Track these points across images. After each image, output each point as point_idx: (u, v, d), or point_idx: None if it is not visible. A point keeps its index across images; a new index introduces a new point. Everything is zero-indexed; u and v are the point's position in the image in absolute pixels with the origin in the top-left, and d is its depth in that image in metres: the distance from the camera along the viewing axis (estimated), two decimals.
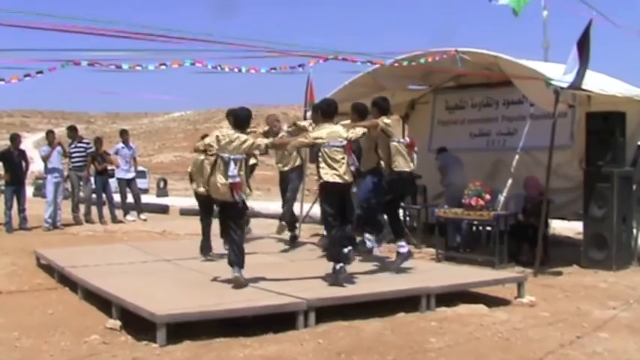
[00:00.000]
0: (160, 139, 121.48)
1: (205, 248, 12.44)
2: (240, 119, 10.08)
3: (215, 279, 10.17)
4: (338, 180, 10.07)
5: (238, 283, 9.60)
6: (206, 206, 12.37)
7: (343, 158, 10.09)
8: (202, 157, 11.57)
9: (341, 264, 10.04)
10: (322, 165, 10.13)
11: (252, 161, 14.13)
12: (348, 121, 11.32)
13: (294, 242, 14.20)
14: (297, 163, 13.94)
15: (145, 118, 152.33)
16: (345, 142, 10.18)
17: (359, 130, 10.65)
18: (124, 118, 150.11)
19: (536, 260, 12.56)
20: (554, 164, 12.84)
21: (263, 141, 10.18)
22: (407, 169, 11.14)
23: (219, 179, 9.76)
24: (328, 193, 10.28)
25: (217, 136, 9.95)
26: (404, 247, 11.20)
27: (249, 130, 10.66)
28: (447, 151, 16.06)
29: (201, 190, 12.02)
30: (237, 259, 9.78)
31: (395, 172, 11.00)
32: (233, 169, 9.60)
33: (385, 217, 11.85)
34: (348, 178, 10.14)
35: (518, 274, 11.53)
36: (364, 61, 12.97)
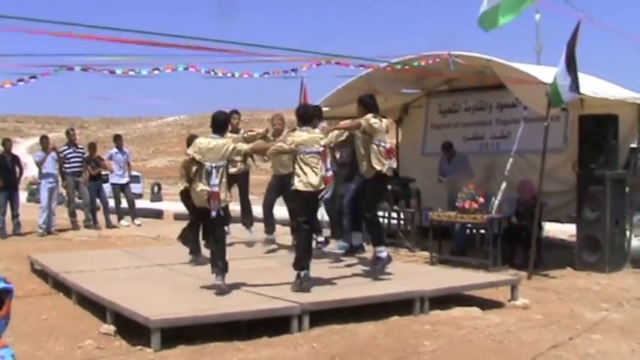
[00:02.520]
0: (153, 143, 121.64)
1: (194, 248, 12.39)
2: (217, 122, 10.08)
3: (209, 284, 10.16)
4: (309, 189, 10.09)
5: (220, 291, 9.58)
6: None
7: (317, 165, 10.12)
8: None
9: (305, 271, 9.99)
10: (297, 172, 10.16)
11: (246, 166, 14.20)
12: (324, 124, 11.36)
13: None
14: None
15: (139, 122, 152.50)
16: (321, 149, 10.20)
17: (333, 134, 10.63)
18: (117, 123, 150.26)
19: (529, 263, 12.60)
20: (548, 167, 12.89)
21: (243, 147, 10.14)
22: (383, 171, 10.92)
23: (201, 186, 9.74)
24: (301, 201, 10.35)
25: (197, 145, 9.90)
26: (382, 251, 11.03)
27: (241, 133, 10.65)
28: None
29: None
30: (218, 268, 9.75)
31: (376, 174, 10.91)
32: (215, 179, 9.62)
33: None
34: (318, 185, 10.14)
35: (511, 277, 11.52)
36: (357, 65, 13.00)
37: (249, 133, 13.59)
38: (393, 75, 15.04)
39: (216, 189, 9.63)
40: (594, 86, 13.52)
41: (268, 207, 14.34)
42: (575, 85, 12.13)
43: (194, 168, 9.97)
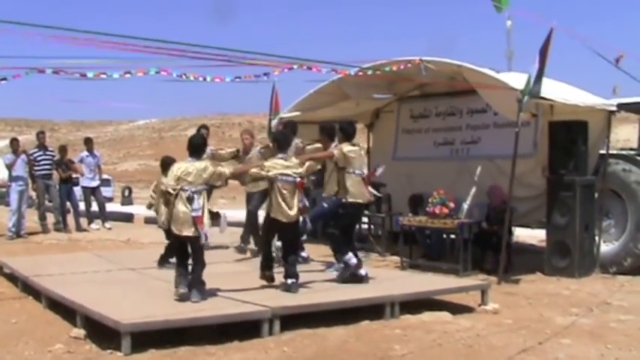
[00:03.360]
0: (124, 147, 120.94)
1: (164, 260, 12.31)
2: (194, 145, 9.91)
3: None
4: (282, 218, 10.21)
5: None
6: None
7: (294, 194, 10.19)
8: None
9: (292, 280, 10.19)
10: (273, 201, 10.25)
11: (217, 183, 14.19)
12: (298, 141, 11.47)
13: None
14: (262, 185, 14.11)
15: (110, 126, 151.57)
16: (298, 179, 10.26)
17: (313, 166, 10.74)
18: (88, 126, 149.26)
19: (499, 268, 12.65)
20: (517, 173, 12.94)
21: (225, 171, 10.03)
22: (360, 201, 11.10)
23: (182, 211, 9.53)
24: (270, 226, 10.52)
25: (175, 172, 9.73)
26: (351, 258, 11.01)
27: (208, 150, 10.66)
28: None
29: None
30: (196, 289, 9.58)
31: (347, 203, 11.02)
32: (196, 203, 9.48)
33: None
34: (293, 215, 10.23)
35: (481, 282, 11.59)
36: (329, 70, 13.02)
37: (220, 152, 13.61)
38: (365, 80, 15.07)
39: (199, 213, 9.48)
40: (564, 93, 13.62)
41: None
42: (536, 89, 12.19)
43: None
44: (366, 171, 11.19)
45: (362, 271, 10.99)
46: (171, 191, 9.61)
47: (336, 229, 11.28)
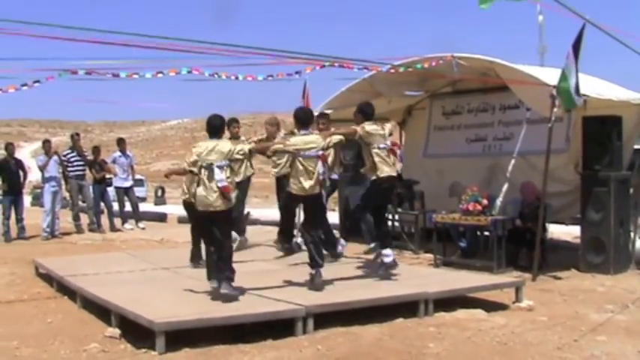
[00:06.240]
0: (157, 147, 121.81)
1: (195, 256, 12.33)
2: (214, 126, 9.97)
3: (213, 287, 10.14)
4: (301, 193, 10.32)
5: (229, 298, 9.45)
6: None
7: (315, 169, 10.23)
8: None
9: (315, 269, 10.25)
10: (292, 174, 10.37)
11: (249, 172, 14.15)
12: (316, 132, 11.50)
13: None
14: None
15: (143, 126, 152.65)
16: (320, 153, 10.30)
17: (335, 139, 10.71)
18: (121, 126, 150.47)
19: (534, 265, 12.57)
20: (550, 168, 12.84)
21: (245, 146, 10.17)
22: (393, 174, 11.20)
23: (206, 188, 9.58)
24: (291, 200, 10.72)
25: (197, 150, 9.82)
26: (388, 256, 11.17)
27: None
28: None
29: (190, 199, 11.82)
30: (224, 277, 9.58)
31: (379, 179, 11.00)
32: (219, 174, 9.49)
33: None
34: (313, 190, 10.30)
35: (516, 279, 11.51)
36: (360, 67, 13.00)
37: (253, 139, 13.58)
38: (397, 77, 15.02)
39: (225, 183, 9.49)
40: (598, 87, 13.50)
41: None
42: (577, 89, 12.15)
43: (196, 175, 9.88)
44: (389, 142, 11.15)
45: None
46: (193, 168, 9.74)
47: (367, 209, 11.45)
